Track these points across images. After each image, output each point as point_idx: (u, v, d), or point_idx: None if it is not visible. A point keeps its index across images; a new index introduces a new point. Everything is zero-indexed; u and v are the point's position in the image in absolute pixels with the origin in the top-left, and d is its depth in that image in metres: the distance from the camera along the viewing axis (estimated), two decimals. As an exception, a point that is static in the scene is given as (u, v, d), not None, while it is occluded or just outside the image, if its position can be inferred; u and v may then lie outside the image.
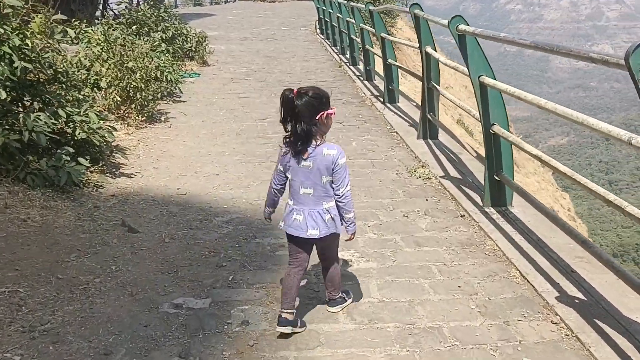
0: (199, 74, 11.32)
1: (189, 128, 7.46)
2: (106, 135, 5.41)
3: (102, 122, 5.71)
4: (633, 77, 2.23)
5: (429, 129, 6.68)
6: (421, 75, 6.69)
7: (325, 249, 3.06)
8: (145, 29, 10.92)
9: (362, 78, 10.95)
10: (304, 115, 2.71)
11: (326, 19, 16.95)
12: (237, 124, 7.71)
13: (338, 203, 2.90)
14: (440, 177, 5.37)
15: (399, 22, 23.49)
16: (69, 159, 5.07)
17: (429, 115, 6.60)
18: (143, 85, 7.34)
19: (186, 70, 11.26)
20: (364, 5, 9.74)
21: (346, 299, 3.23)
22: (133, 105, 7.34)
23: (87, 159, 5.27)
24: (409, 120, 7.64)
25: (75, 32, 9.15)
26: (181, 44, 11.82)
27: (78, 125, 5.27)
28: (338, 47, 14.73)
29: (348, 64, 12.69)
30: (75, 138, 5.22)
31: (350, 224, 2.96)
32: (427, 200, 4.89)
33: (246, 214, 4.63)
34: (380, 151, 6.43)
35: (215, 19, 23.16)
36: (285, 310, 2.93)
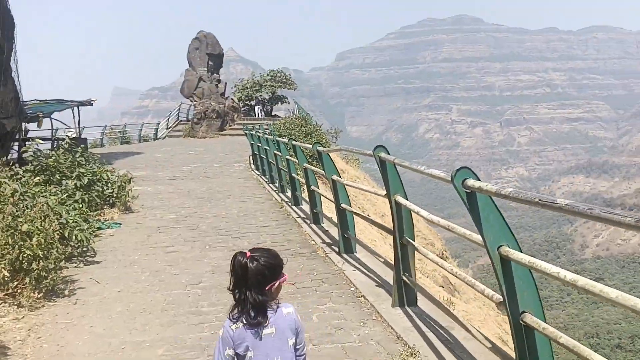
0: (120, 224, 9.79)
1: (100, 303, 5.83)
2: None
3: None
4: None
5: (405, 293, 5.42)
6: (391, 227, 5.55)
7: None
8: (57, 176, 9.45)
9: (308, 221, 9.77)
10: (252, 284, 2.46)
11: (262, 155, 16.13)
12: (162, 293, 6.15)
13: None
14: (441, 372, 4.01)
15: (332, 155, 23.13)
16: None
17: (404, 277, 5.38)
18: (42, 253, 5.77)
19: (105, 220, 9.73)
20: (310, 145, 8.80)
21: None
22: (28, 279, 5.70)
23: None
24: (375, 278, 6.36)
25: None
26: (100, 190, 10.37)
27: None
28: (277, 185, 13.73)
29: (290, 203, 11.57)
30: None
31: None
32: (436, 419, 3.47)
33: None
34: (350, 328, 5.04)
35: (142, 157, 22.03)
36: None
